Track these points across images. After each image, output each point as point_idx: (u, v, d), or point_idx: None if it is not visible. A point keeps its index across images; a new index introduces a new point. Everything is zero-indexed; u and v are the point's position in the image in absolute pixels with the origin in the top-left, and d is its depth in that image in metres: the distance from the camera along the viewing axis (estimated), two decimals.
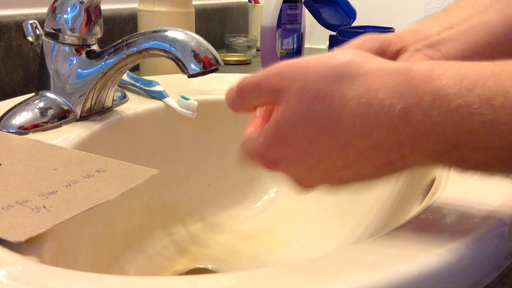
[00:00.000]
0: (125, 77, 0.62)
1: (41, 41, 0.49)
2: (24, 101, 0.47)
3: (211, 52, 0.44)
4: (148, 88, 0.58)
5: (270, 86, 0.29)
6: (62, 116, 0.47)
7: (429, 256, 0.24)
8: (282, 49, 0.86)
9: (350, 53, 0.28)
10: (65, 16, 0.46)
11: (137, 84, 0.60)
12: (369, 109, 0.25)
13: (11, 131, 0.44)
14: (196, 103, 0.53)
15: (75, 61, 0.47)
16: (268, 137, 0.30)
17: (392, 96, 0.25)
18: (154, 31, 0.45)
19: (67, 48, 0.47)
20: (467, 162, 0.25)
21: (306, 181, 0.31)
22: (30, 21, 0.50)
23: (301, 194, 0.33)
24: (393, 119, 0.25)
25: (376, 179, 0.29)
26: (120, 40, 0.46)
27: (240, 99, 0.32)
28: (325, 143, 0.27)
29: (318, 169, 0.29)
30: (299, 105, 0.27)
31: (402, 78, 0.25)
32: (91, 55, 0.48)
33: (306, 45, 0.98)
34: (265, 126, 0.31)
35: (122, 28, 0.78)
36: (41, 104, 0.46)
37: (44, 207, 0.29)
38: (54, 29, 0.47)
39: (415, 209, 0.33)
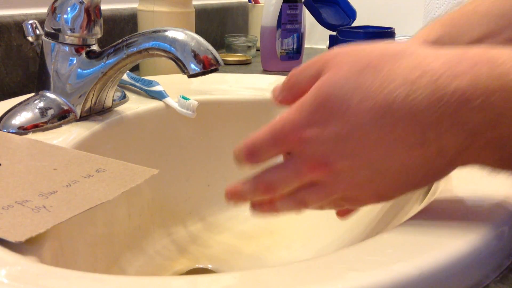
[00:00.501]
0: (125, 77, 0.62)
1: (41, 41, 0.49)
2: (24, 101, 0.47)
3: (211, 52, 0.44)
4: (148, 88, 0.58)
5: (322, 61, 0.29)
6: (62, 116, 0.47)
7: (429, 256, 0.24)
8: (282, 49, 0.86)
9: (405, 43, 0.28)
10: (65, 16, 0.46)
11: (137, 84, 0.60)
12: (418, 79, 0.25)
13: (11, 131, 0.44)
14: (196, 103, 0.53)
15: (75, 61, 0.47)
16: (305, 100, 0.28)
17: (443, 67, 0.25)
18: (154, 31, 0.45)
19: (67, 48, 0.47)
20: (502, 147, 0.25)
21: (331, 160, 0.28)
22: (30, 21, 0.50)
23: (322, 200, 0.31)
24: (438, 87, 0.25)
25: (406, 171, 0.27)
26: (120, 40, 0.46)
27: (289, 84, 0.31)
28: (363, 110, 0.26)
29: (348, 140, 0.27)
30: (348, 73, 0.27)
31: (457, 54, 0.25)
32: (91, 55, 0.48)
33: (306, 45, 0.98)
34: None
35: (122, 28, 0.78)
36: (41, 104, 0.46)
37: (44, 207, 0.29)
38: (54, 29, 0.47)
39: (415, 209, 0.33)
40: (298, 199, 0.31)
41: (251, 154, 0.31)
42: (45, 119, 0.45)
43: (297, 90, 0.30)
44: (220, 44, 1.08)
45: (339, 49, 0.29)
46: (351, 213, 0.38)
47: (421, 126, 0.25)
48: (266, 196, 0.32)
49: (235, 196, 0.32)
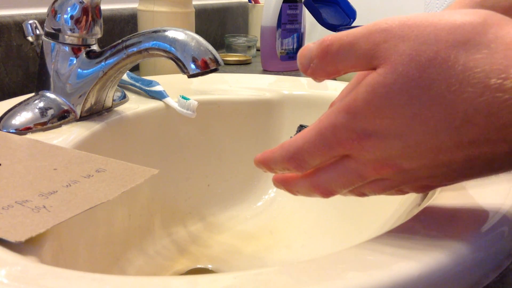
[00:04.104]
0: (125, 77, 0.62)
1: (41, 41, 0.49)
2: (24, 101, 0.47)
3: (211, 52, 0.44)
4: (148, 88, 0.58)
5: (371, 45, 0.24)
6: (62, 116, 0.47)
7: (429, 256, 0.24)
8: (282, 49, 0.86)
9: (481, 12, 0.22)
10: (65, 16, 0.46)
11: (137, 84, 0.60)
12: (502, 86, 0.21)
13: (11, 131, 0.44)
14: (196, 103, 0.53)
15: (75, 61, 0.47)
16: (358, 104, 0.24)
17: None
18: (154, 31, 0.45)
19: (67, 48, 0.47)
20: None
21: (397, 162, 0.25)
22: (30, 21, 0.50)
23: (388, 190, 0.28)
24: None
25: (482, 175, 0.24)
26: (120, 40, 0.46)
27: (323, 61, 0.26)
28: (435, 117, 0.22)
29: (418, 148, 0.24)
30: (408, 69, 0.22)
31: None
32: (91, 55, 0.48)
33: None
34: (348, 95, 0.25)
35: (122, 28, 0.78)
36: (41, 104, 0.46)
37: (44, 207, 0.29)
38: (54, 29, 0.47)
39: (415, 209, 0.33)
40: (357, 192, 0.29)
41: (298, 162, 0.28)
42: (45, 119, 0.45)
43: (333, 68, 0.26)
44: (220, 44, 1.08)
45: (391, 27, 0.24)
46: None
47: (507, 142, 0.22)
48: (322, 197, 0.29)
49: (286, 187, 0.30)
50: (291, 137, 0.34)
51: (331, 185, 0.28)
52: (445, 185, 0.28)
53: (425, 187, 0.28)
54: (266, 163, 0.30)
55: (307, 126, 0.33)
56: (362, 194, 0.29)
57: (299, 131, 0.33)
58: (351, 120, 0.25)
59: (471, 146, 0.23)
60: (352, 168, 0.26)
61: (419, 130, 0.23)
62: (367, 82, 0.24)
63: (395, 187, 0.28)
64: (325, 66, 0.26)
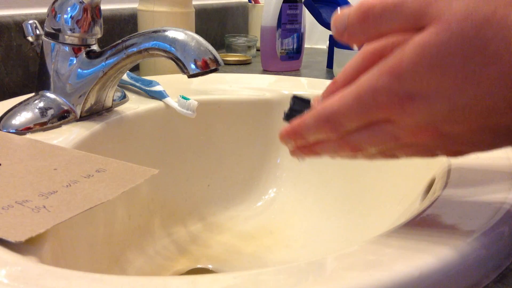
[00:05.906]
0: (125, 77, 0.62)
1: (41, 41, 0.49)
2: (24, 101, 0.47)
3: (211, 52, 0.44)
4: (148, 88, 0.58)
5: (420, 3, 0.22)
6: (62, 116, 0.47)
7: (429, 256, 0.24)
8: (282, 49, 0.86)
9: None
10: (65, 16, 0.46)
11: (137, 84, 0.60)
12: None
13: (11, 131, 0.44)
14: (196, 103, 0.53)
15: (75, 61, 0.47)
16: (404, 65, 0.23)
17: None
18: (154, 31, 0.45)
19: (67, 48, 0.47)
20: None
21: (438, 127, 0.24)
22: (30, 21, 0.50)
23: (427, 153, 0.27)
24: None
25: None
26: (120, 40, 0.46)
27: (364, 24, 0.24)
28: (490, 78, 0.21)
29: (466, 112, 0.23)
30: (463, 27, 0.21)
31: None
32: (91, 55, 0.48)
33: (306, 45, 0.98)
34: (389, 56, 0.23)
35: (122, 28, 0.78)
36: (41, 104, 0.46)
37: (44, 207, 0.29)
38: (54, 29, 0.47)
39: (415, 209, 0.33)
40: (388, 154, 0.27)
41: (334, 125, 0.26)
42: (45, 119, 0.45)
43: (375, 31, 0.25)
44: (220, 44, 1.08)
45: None
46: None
47: None
48: (350, 155, 0.28)
49: (306, 152, 0.29)
50: (284, 111, 0.32)
51: (360, 142, 0.27)
52: (480, 151, 0.27)
53: (459, 152, 0.27)
54: (297, 131, 0.29)
55: (302, 97, 0.32)
56: (393, 156, 0.28)
57: (294, 102, 0.32)
58: (394, 82, 0.23)
59: None
60: (388, 130, 0.25)
61: (471, 92, 0.22)
62: (416, 43, 0.22)
63: (429, 152, 0.27)
64: (365, 29, 0.25)
